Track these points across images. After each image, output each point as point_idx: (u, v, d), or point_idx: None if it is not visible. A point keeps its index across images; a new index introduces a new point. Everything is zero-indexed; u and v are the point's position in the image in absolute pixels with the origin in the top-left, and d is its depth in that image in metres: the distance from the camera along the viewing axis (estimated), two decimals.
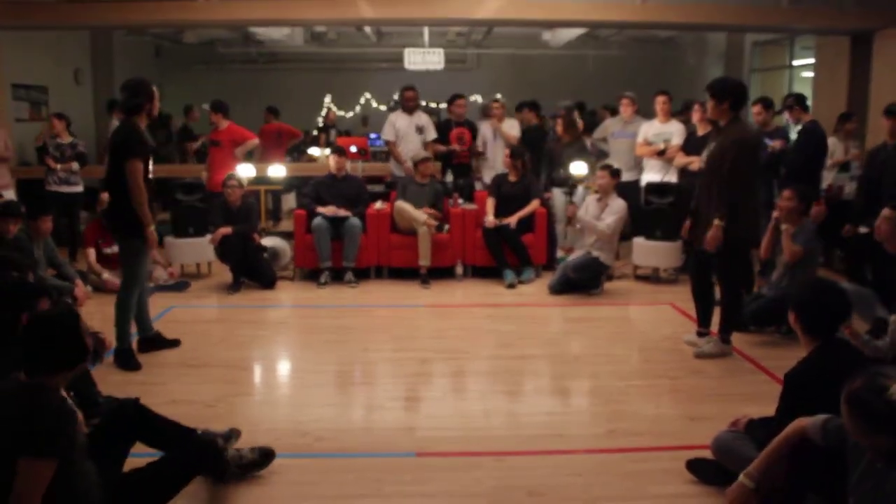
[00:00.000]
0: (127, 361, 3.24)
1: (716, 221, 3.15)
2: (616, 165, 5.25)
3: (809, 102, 4.89)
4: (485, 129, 5.67)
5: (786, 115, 4.62)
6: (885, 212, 3.12)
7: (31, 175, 5.54)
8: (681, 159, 4.87)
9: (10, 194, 5.31)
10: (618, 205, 4.52)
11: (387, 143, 5.62)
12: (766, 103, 4.82)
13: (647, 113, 5.58)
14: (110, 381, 2.96)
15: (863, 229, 3.99)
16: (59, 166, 5.29)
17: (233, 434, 2.37)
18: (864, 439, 1.53)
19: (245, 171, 5.37)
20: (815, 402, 1.92)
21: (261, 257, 4.84)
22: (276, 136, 6.82)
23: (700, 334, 3.52)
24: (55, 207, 4.76)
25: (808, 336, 2.03)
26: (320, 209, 4.85)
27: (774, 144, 4.56)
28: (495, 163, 5.48)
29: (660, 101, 5.12)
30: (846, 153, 5.54)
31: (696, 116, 4.83)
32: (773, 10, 6.29)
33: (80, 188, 5.47)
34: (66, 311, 1.71)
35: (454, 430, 2.65)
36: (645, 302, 4.53)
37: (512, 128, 5.60)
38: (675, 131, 5.09)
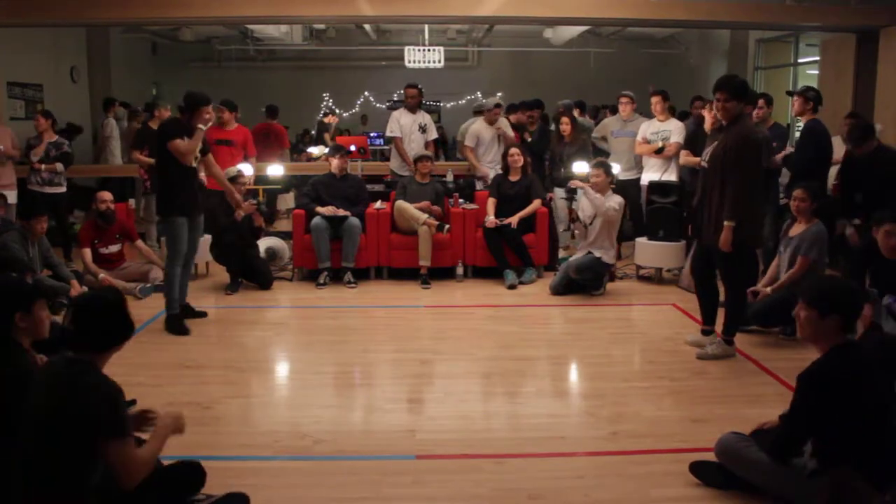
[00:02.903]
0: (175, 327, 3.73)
1: (726, 223, 3.12)
2: (617, 164, 5.22)
3: None
4: (480, 128, 5.57)
5: (793, 102, 4.55)
6: (889, 227, 3.08)
7: (24, 174, 5.47)
8: (687, 158, 4.82)
9: (12, 195, 5.26)
10: (614, 201, 4.49)
11: (393, 139, 5.57)
12: (768, 100, 4.80)
13: (649, 111, 5.54)
14: None
15: (849, 230, 4.01)
16: (43, 167, 5.22)
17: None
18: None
19: (245, 169, 5.34)
20: (829, 403, 1.89)
21: (258, 258, 4.81)
22: (263, 136, 6.77)
23: (705, 332, 3.48)
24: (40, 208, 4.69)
25: (840, 335, 1.98)
26: (319, 209, 4.82)
27: (777, 158, 4.54)
28: (494, 164, 5.43)
29: (654, 102, 5.10)
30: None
31: (708, 115, 4.78)
32: (778, 8, 6.26)
33: (63, 189, 5.37)
34: (111, 290, 1.83)
35: (454, 432, 2.62)
36: (647, 302, 4.50)
37: (506, 128, 5.54)
38: (673, 129, 5.06)
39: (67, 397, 1.64)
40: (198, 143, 3.68)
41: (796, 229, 3.64)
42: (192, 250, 3.89)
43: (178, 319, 3.75)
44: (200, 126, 3.66)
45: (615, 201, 4.48)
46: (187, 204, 3.72)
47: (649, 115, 5.40)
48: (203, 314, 4.04)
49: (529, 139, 5.73)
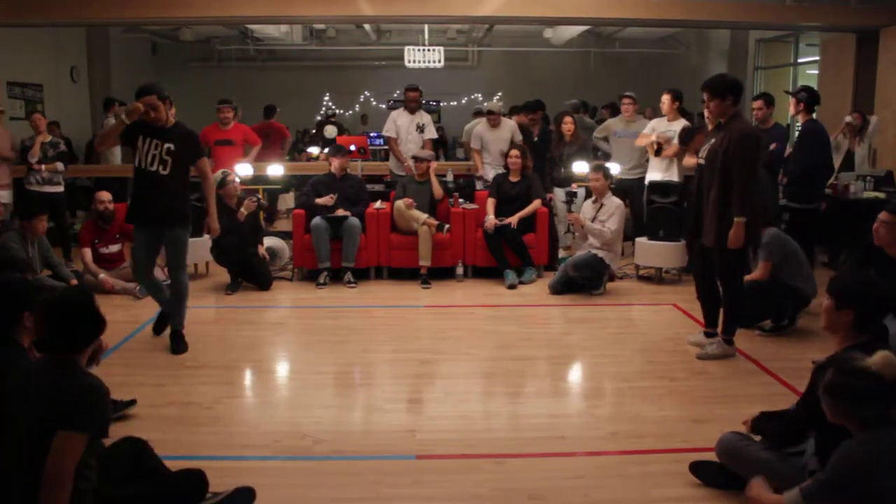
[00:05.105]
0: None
1: (737, 220, 3.11)
2: (619, 164, 5.22)
3: None
4: (482, 130, 5.56)
5: (790, 104, 4.55)
6: (884, 216, 3.08)
7: (20, 175, 5.45)
8: (689, 160, 4.81)
9: (7, 195, 5.26)
10: (613, 204, 4.51)
11: (387, 140, 5.58)
12: (768, 99, 4.79)
13: (650, 111, 5.54)
14: (109, 383, 2.86)
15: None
16: (43, 167, 5.21)
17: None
18: (851, 418, 1.71)
19: (243, 170, 5.34)
20: None
21: (258, 258, 4.81)
22: (264, 136, 6.78)
23: (708, 335, 3.48)
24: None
25: (855, 331, 1.97)
26: (318, 200, 4.83)
27: (770, 148, 4.53)
28: (493, 163, 5.43)
29: (663, 100, 5.07)
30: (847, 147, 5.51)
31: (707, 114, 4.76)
32: (779, 7, 6.26)
33: (61, 188, 5.36)
34: (79, 289, 1.79)
35: (454, 432, 2.62)
36: (647, 302, 4.49)
37: (515, 131, 5.50)
38: (678, 130, 5.04)
39: (57, 401, 1.59)
40: (110, 130, 3.41)
41: None
42: (170, 263, 3.51)
43: (161, 320, 3.66)
44: (115, 116, 3.35)
45: (614, 205, 4.49)
46: (139, 213, 3.41)
47: (651, 116, 5.39)
48: (183, 350, 3.46)
49: (535, 139, 5.74)
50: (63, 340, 1.69)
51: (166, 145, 3.34)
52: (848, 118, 5.60)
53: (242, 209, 4.67)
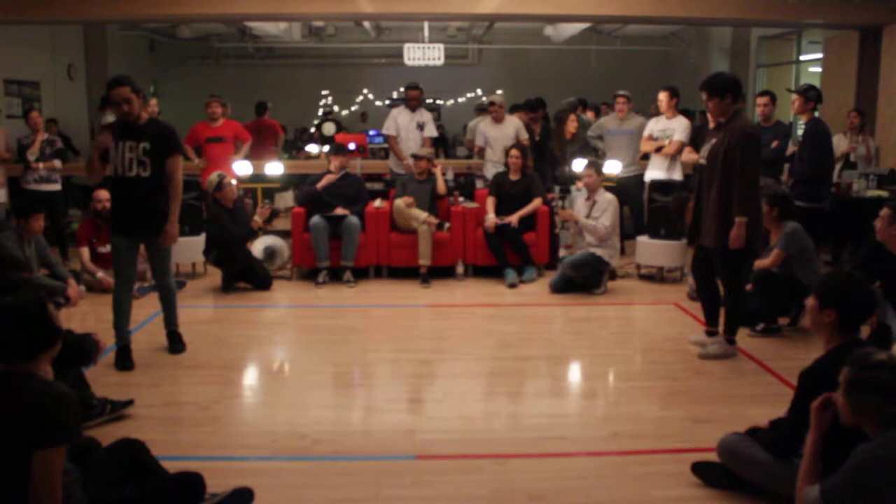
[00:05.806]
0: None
1: (738, 219, 3.10)
2: (618, 162, 5.21)
3: None
4: (486, 128, 5.56)
5: (795, 101, 4.52)
6: (884, 211, 3.07)
7: (17, 173, 5.43)
8: (689, 155, 4.80)
9: (2, 194, 5.24)
10: (605, 200, 4.51)
11: (387, 138, 5.57)
12: (773, 96, 4.78)
13: (648, 109, 5.52)
14: (107, 383, 2.91)
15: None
16: (41, 165, 5.19)
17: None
18: (873, 416, 1.63)
19: (242, 169, 5.32)
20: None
21: (255, 260, 4.80)
22: (255, 133, 6.75)
23: (709, 334, 3.46)
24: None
25: (839, 331, 1.95)
26: (319, 185, 4.83)
27: (772, 146, 4.52)
28: (498, 160, 5.41)
29: (660, 99, 5.05)
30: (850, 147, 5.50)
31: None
32: (781, 5, 6.24)
33: (58, 186, 5.34)
34: (30, 296, 1.67)
35: (454, 432, 2.60)
36: (648, 301, 4.48)
37: (521, 129, 5.50)
38: (677, 127, 5.03)
39: (27, 419, 1.52)
40: (90, 158, 3.15)
41: (773, 238, 3.65)
42: (156, 269, 3.36)
43: (123, 354, 3.22)
44: (99, 140, 3.13)
45: (606, 200, 4.49)
46: (123, 223, 3.21)
47: (647, 114, 5.38)
48: (181, 350, 3.44)
49: (537, 138, 5.72)
50: (9, 350, 1.59)
51: (142, 145, 3.13)
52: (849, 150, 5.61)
53: (257, 217, 4.68)
